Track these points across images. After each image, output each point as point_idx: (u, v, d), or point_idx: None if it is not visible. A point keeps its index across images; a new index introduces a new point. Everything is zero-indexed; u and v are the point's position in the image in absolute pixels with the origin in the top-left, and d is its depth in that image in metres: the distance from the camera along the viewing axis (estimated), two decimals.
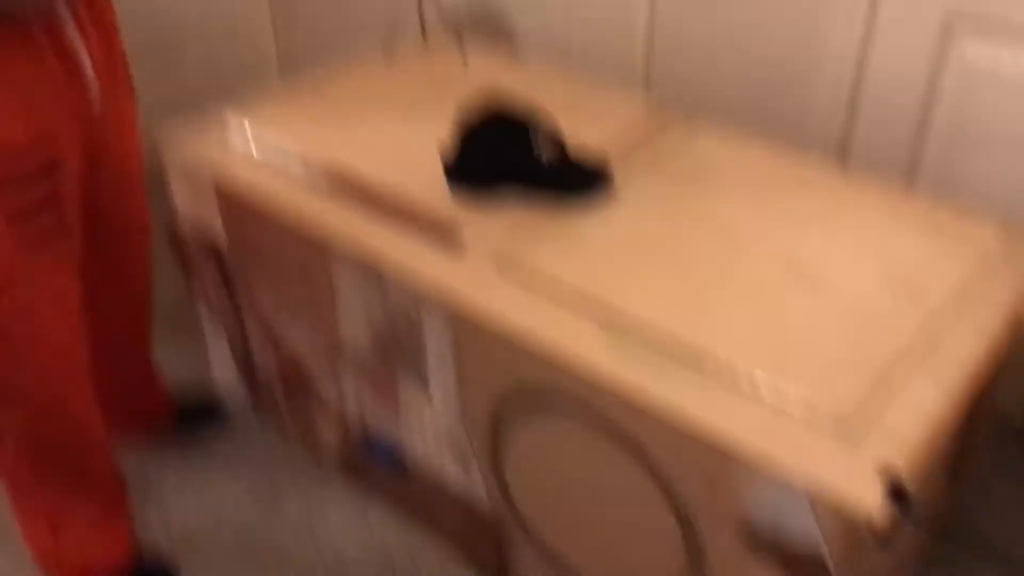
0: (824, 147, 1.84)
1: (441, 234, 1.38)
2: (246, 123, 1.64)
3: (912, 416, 1.08)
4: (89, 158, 1.38)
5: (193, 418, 1.91)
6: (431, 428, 1.49)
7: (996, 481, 1.73)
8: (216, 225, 1.62)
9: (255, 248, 1.58)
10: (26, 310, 1.34)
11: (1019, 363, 1.49)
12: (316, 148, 1.58)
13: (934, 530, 1.54)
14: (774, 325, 1.21)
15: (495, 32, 2.24)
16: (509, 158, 1.45)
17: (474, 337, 1.30)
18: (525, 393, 1.28)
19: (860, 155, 1.80)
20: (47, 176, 1.30)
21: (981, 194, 1.67)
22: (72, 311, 1.40)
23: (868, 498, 0.99)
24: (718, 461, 1.08)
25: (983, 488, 1.72)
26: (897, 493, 0.99)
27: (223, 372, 1.91)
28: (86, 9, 1.30)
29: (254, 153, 1.58)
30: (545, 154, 1.44)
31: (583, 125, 1.59)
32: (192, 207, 1.65)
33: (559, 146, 1.47)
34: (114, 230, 1.52)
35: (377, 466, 1.66)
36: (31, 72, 1.24)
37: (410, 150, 1.57)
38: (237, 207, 1.55)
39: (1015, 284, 1.28)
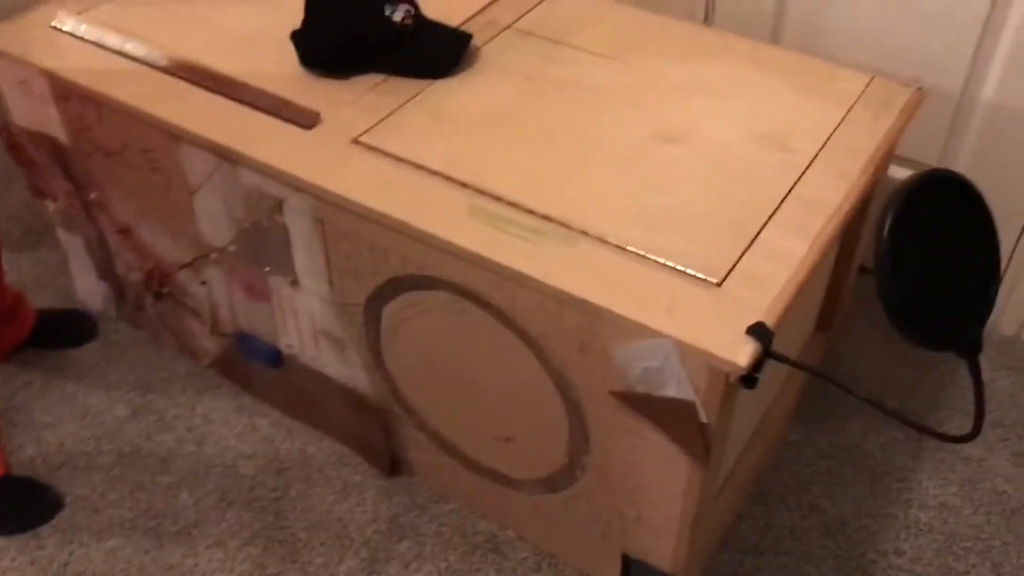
0: (688, 6, 1.82)
1: (296, 116, 1.32)
2: (85, 14, 1.52)
3: (777, 266, 1.09)
4: None
5: (60, 332, 1.82)
6: (303, 319, 1.45)
7: (863, 326, 1.79)
8: (56, 126, 1.51)
9: (102, 147, 1.48)
10: None
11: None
12: (160, 34, 1.47)
13: (806, 373, 1.59)
14: (641, 186, 1.20)
15: None
16: (364, 30, 1.38)
17: (338, 222, 1.25)
18: (396, 274, 1.25)
19: (724, 12, 1.78)
20: None
21: (843, 48, 1.68)
22: None
23: (732, 343, 1.00)
24: (589, 324, 1.08)
25: (852, 333, 1.78)
26: (759, 333, 1.00)
27: (85, 282, 1.81)
28: None
29: (95, 43, 1.47)
30: (401, 23, 1.38)
31: None
32: (28, 109, 1.53)
33: (416, 15, 1.41)
34: None
35: (255, 364, 1.61)
36: None
37: (262, 31, 1.48)
38: (80, 102, 1.44)
39: (878, 132, 1.29)
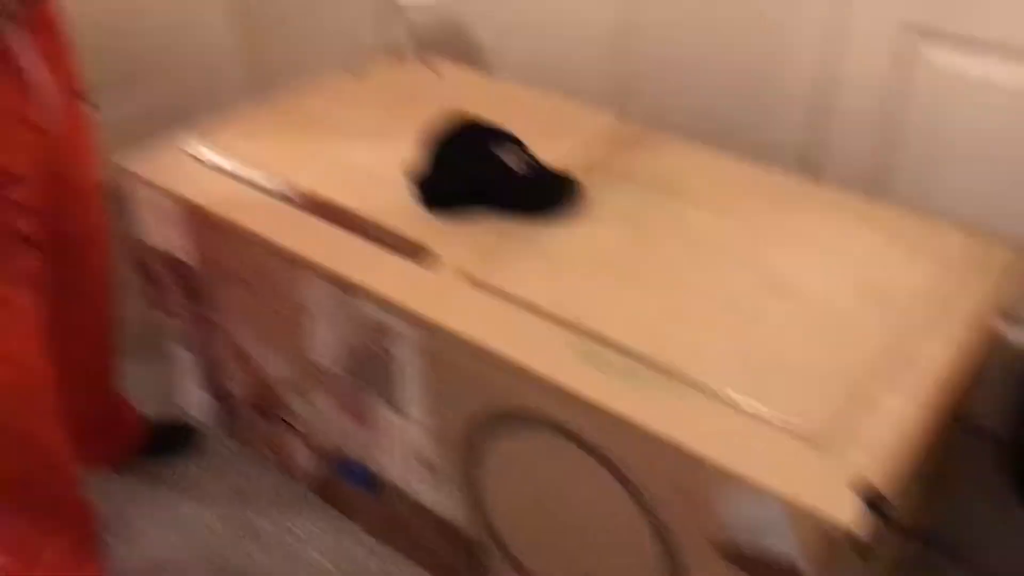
0: (793, 158, 1.85)
1: (411, 252, 1.37)
2: (215, 142, 1.63)
3: (886, 427, 1.08)
4: (46, 176, 1.36)
5: (164, 443, 1.88)
6: (404, 447, 1.47)
7: (971, 488, 1.73)
8: (183, 246, 1.60)
9: (224, 269, 1.56)
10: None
11: (990, 372, 1.50)
12: (285, 166, 1.57)
13: (913, 540, 1.54)
14: (747, 337, 1.21)
15: (466, 49, 2.24)
16: (479, 173, 1.45)
17: (446, 355, 1.29)
18: (498, 409, 1.27)
19: (829, 166, 1.81)
20: (3, 193, 1.28)
21: (949, 200, 1.68)
22: (34, 331, 1.38)
23: (844, 509, 0.99)
24: (692, 473, 1.08)
25: (959, 496, 1.72)
26: (874, 503, 0.99)
27: (193, 395, 1.88)
28: (40, 29, 1.29)
29: (223, 171, 1.57)
30: (515, 168, 1.44)
31: (553, 140, 1.59)
32: (157, 230, 1.63)
33: (529, 160, 1.47)
34: (73, 249, 1.50)
35: (351, 486, 1.64)
36: None
37: (380, 166, 1.56)
38: (205, 226, 1.53)
39: (983, 293, 1.29)
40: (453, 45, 2.26)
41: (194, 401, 1.89)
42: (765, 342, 1.20)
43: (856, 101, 1.72)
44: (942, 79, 1.60)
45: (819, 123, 1.78)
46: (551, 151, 1.53)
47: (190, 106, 2.63)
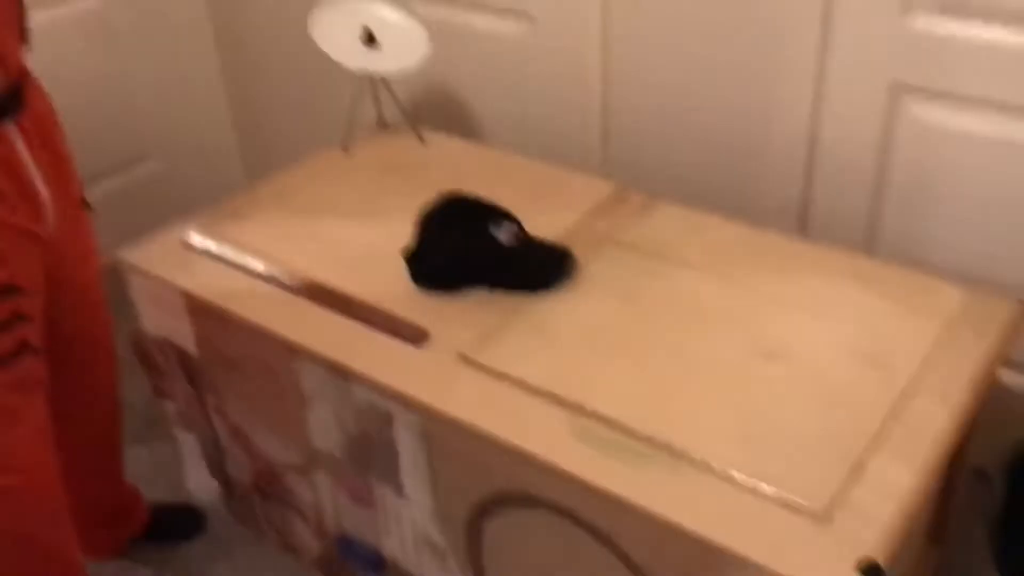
0: (783, 217, 1.86)
1: (407, 334, 1.38)
2: (211, 230, 1.65)
3: (884, 495, 1.08)
4: (47, 279, 1.37)
5: (169, 527, 1.88)
6: (408, 529, 1.47)
7: (978, 531, 1.72)
8: (183, 335, 1.61)
9: (224, 357, 1.57)
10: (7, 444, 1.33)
11: (987, 421, 1.50)
12: (280, 250, 1.58)
13: None
14: (743, 408, 1.21)
15: (454, 118, 2.27)
16: (471, 250, 1.46)
17: (444, 438, 1.29)
18: (499, 491, 1.27)
19: (819, 222, 1.82)
20: (5, 299, 1.29)
21: (941, 253, 1.69)
22: (42, 437, 1.38)
23: None
24: (694, 554, 1.08)
25: (966, 540, 1.71)
26: (871, 572, 0.98)
27: (197, 479, 1.88)
28: (34, 130, 1.30)
29: (220, 260, 1.58)
30: (507, 244, 1.45)
31: (543, 211, 1.61)
32: (158, 320, 1.64)
33: (521, 235, 1.48)
34: (77, 350, 1.51)
35: (356, 569, 1.63)
36: None
37: (373, 246, 1.58)
38: (204, 315, 1.54)
39: (980, 348, 1.29)
40: (442, 114, 2.29)
41: (198, 484, 1.89)
42: (762, 412, 1.20)
43: (844, 157, 1.73)
44: (926, 133, 1.62)
45: (808, 180, 1.80)
46: (542, 221, 1.54)
47: (186, 188, 2.67)
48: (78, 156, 1.45)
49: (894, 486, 1.09)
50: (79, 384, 1.55)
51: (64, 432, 1.51)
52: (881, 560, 1.00)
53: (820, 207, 1.81)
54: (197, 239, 1.63)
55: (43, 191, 1.31)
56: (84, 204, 1.47)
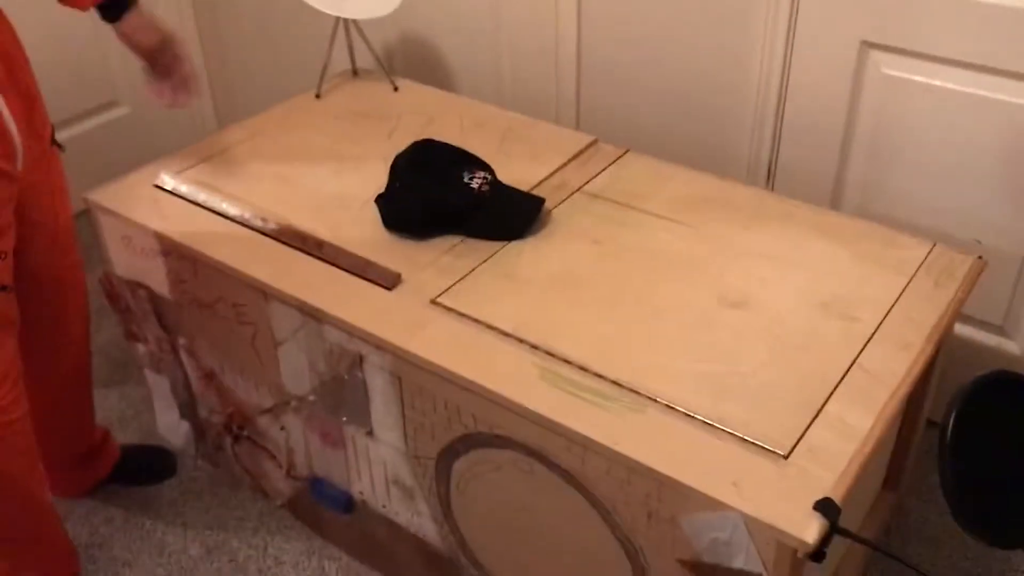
0: (752, 171, 1.89)
1: (379, 277, 1.39)
2: (184, 174, 1.64)
3: (842, 436, 1.11)
4: (17, 219, 1.37)
5: (140, 468, 1.89)
6: (377, 469, 1.49)
7: (933, 482, 1.77)
8: (156, 279, 1.61)
9: (196, 299, 1.58)
10: None
11: (946, 376, 1.54)
12: (252, 194, 1.58)
13: (876, 532, 1.58)
14: (707, 353, 1.24)
15: (426, 64, 2.26)
16: (443, 196, 1.47)
17: (414, 380, 1.31)
18: (468, 431, 1.29)
19: (786, 176, 1.85)
20: None
21: (905, 208, 1.73)
22: (13, 375, 1.39)
23: (800, 518, 1.02)
24: (657, 492, 1.11)
25: (921, 490, 1.77)
26: (831, 515, 1.02)
27: (168, 421, 1.89)
28: (5, 73, 1.29)
29: (193, 202, 1.58)
30: (478, 190, 1.46)
31: (515, 160, 1.62)
32: (129, 262, 1.64)
33: (492, 181, 1.49)
34: (48, 290, 1.51)
35: (327, 507, 1.66)
36: None
37: (346, 191, 1.58)
38: (176, 257, 1.54)
39: (940, 302, 1.32)
40: (414, 60, 2.28)
41: (170, 426, 1.90)
42: (725, 357, 1.23)
43: (812, 113, 1.75)
44: (893, 89, 1.64)
45: (776, 135, 1.82)
46: (515, 169, 1.56)
47: (156, 134, 2.65)
48: (48, 101, 1.43)
49: (852, 428, 1.12)
50: (49, 325, 1.55)
51: (33, 373, 1.51)
52: (837, 499, 1.03)
53: (787, 161, 1.83)
54: (169, 182, 1.62)
55: (13, 128, 1.30)
56: (55, 144, 1.46)
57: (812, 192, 1.78)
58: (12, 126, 1.30)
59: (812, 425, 1.13)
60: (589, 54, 1.99)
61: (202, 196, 1.58)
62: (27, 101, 1.35)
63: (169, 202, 1.59)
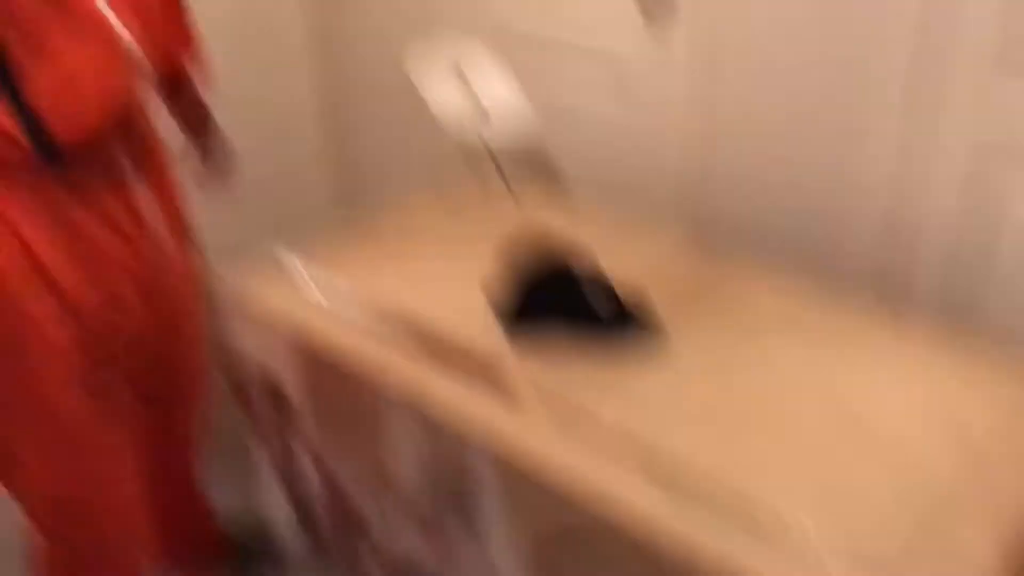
0: (864, 280, 1.86)
1: (492, 379, 1.42)
2: (309, 264, 1.70)
3: (961, 566, 1.09)
4: (150, 309, 1.43)
5: (247, 555, 1.92)
6: (479, 569, 1.49)
7: None
8: (273, 363, 1.66)
9: (311, 389, 1.62)
10: (92, 472, 1.38)
11: None
12: (373, 290, 1.63)
13: None
14: (823, 472, 1.23)
15: (547, 177, 2.29)
16: (563, 308, 1.50)
17: (524, 485, 1.32)
18: (576, 540, 1.29)
19: (900, 290, 1.82)
20: (115, 337, 1.35)
21: (1018, 325, 1.68)
22: (134, 467, 1.43)
23: None
24: None
25: None
26: None
27: (276, 508, 1.93)
28: (151, 168, 1.36)
29: (315, 292, 1.64)
30: (597, 304, 1.49)
31: (633, 269, 1.62)
32: (250, 343, 1.69)
33: (611, 296, 1.51)
34: (172, 376, 1.56)
35: None
36: (100, 236, 1.30)
37: (463, 293, 1.62)
38: (296, 348, 1.59)
39: None
40: (535, 171, 2.31)
41: (277, 513, 1.93)
42: (841, 478, 1.22)
43: (925, 223, 1.73)
44: (1003, 199, 1.61)
45: (899, 246, 1.80)
46: (630, 276, 1.57)
47: (281, 216, 2.73)
48: None
49: (972, 557, 1.09)
50: (170, 410, 1.60)
51: (151, 460, 1.56)
52: None
53: (901, 273, 1.81)
54: (294, 270, 1.68)
55: (158, 227, 1.36)
56: (192, 238, 1.52)
57: (924, 306, 1.75)
58: (155, 218, 1.35)
59: (930, 553, 1.10)
60: (707, 164, 2.01)
61: (325, 288, 1.63)
62: (169, 190, 1.42)
63: (292, 290, 1.64)
